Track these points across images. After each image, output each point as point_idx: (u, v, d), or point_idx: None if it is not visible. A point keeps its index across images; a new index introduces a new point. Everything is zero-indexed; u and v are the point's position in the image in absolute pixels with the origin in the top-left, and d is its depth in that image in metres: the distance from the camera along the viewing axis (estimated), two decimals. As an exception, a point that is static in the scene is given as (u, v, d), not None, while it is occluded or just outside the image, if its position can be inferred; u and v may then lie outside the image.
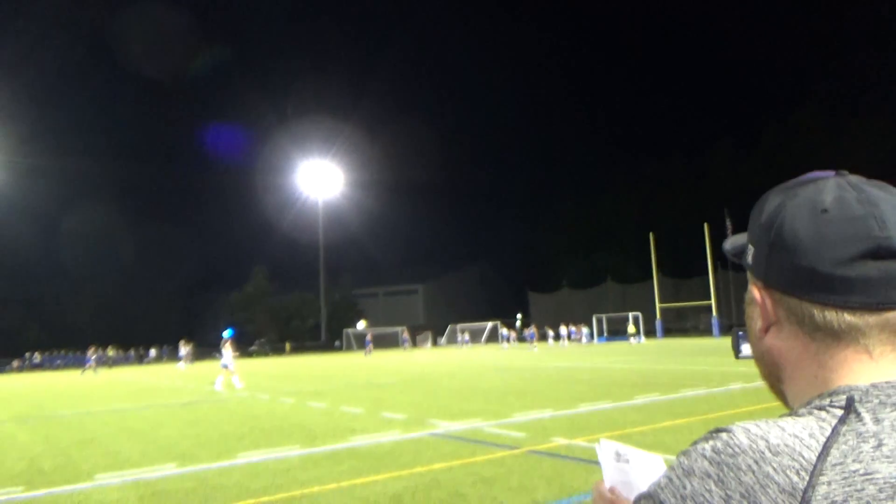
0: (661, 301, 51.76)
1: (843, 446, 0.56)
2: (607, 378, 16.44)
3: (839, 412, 0.59)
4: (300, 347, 65.05)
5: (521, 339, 55.87)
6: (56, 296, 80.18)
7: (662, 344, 40.04)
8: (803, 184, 0.70)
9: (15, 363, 55.18)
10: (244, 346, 65.64)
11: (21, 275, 77.45)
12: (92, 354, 38.33)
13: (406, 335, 54.38)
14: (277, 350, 62.73)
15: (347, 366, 31.33)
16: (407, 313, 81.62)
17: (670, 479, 0.59)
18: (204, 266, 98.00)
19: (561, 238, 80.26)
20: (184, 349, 39.15)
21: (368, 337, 49.88)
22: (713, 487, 0.56)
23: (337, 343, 68.46)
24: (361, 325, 72.65)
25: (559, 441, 7.85)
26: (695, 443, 0.61)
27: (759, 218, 0.72)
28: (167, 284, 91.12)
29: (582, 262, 74.36)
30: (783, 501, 0.53)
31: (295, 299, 73.29)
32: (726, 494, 0.55)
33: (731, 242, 0.81)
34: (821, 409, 0.60)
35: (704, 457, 0.58)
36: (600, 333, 53.67)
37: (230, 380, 19.22)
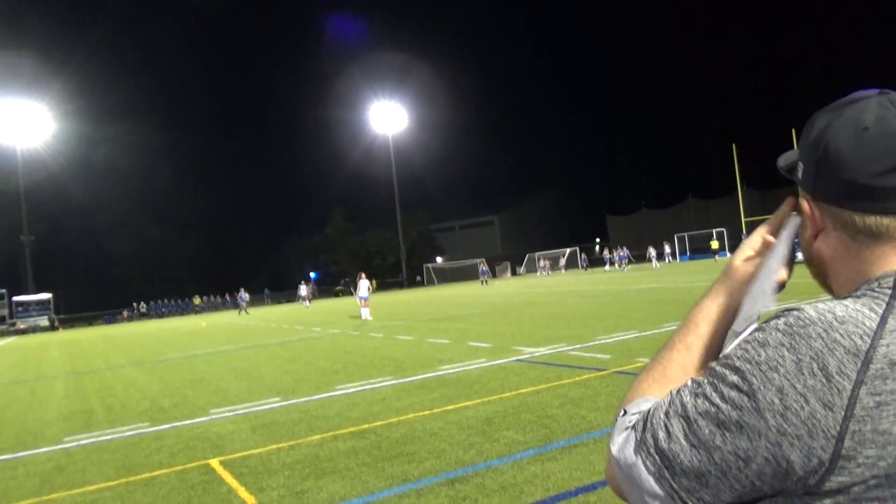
0: (748, 215, 49.70)
1: None
2: (692, 296, 16.10)
3: (888, 291, 0.71)
4: (383, 285, 66.80)
5: (600, 261, 55.22)
6: (156, 250, 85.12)
7: (750, 259, 38.65)
8: (848, 103, 0.78)
9: (125, 313, 59.57)
10: (330, 287, 68.19)
11: (122, 231, 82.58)
12: (244, 294, 41.66)
13: (485, 267, 54.87)
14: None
15: (430, 300, 32.08)
16: (484, 245, 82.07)
17: (745, 350, 0.70)
18: (286, 212, 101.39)
19: (637, 157, 77.86)
20: (304, 290, 42.50)
21: (483, 266, 50.62)
22: (786, 353, 0.67)
23: (418, 278, 69.92)
24: (439, 259, 73.70)
25: (645, 361, 7.87)
26: (767, 320, 0.72)
27: (809, 137, 0.80)
28: (254, 232, 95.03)
29: (660, 180, 72.22)
30: (848, 361, 0.64)
31: (374, 238, 74.98)
32: (797, 358, 0.66)
33: (785, 159, 0.88)
34: (871, 290, 0.72)
35: (778, 329, 0.69)
36: (682, 252, 52.40)
37: (365, 311, 20.96)
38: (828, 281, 0.83)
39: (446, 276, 67.54)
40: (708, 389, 0.70)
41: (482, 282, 48.38)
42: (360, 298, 21.40)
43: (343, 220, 76.09)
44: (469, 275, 63.27)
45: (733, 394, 0.67)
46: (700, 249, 50.72)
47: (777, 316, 0.71)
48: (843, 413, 0.63)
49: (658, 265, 44.93)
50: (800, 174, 0.82)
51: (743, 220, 49.65)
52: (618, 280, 30.73)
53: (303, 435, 6.12)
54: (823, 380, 0.64)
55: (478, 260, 60.34)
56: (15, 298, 53.05)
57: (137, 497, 4.80)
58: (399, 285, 67.00)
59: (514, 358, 9.40)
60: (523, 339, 11.33)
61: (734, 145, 49.23)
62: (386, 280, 69.09)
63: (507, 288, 36.42)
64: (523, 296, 25.84)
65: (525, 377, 7.83)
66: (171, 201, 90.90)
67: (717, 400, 0.68)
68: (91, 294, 72.63)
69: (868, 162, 0.72)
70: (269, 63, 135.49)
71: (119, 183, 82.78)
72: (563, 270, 56.66)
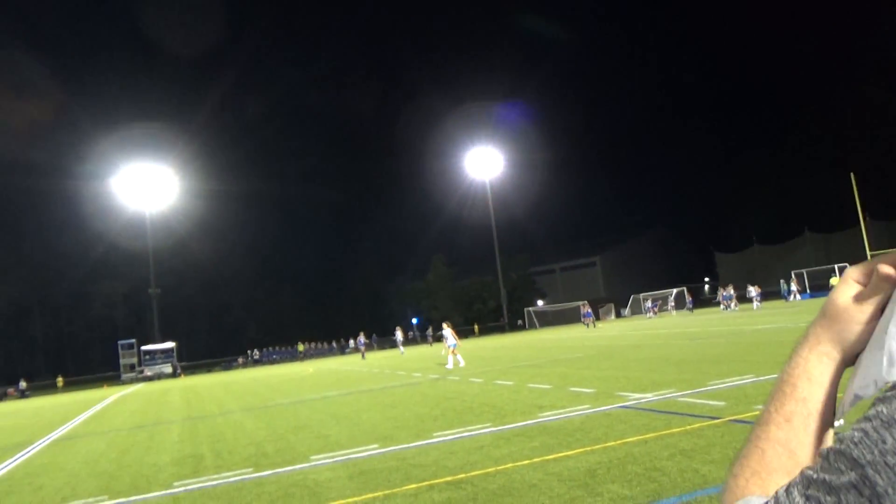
0: (873, 248, 45.89)
1: None
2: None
3: None
4: (484, 329, 66.58)
5: (709, 302, 52.47)
6: (266, 298, 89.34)
7: (881, 296, 35.46)
8: None
9: (240, 360, 62.44)
10: (432, 333, 68.69)
11: (238, 282, 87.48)
12: (362, 339, 43.41)
13: (588, 309, 53.39)
14: (464, 333, 64.71)
15: (531, 344, 31.52)
16: (586, 287, 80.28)
17: (866, 433, 0.47)
18: (388, 258, 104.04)
19: (747, 190, 74.41)
20: (400, 336, 42.74)
21: (587, 309, 49.40)
22: None
23: (519, 322, 69.16)
24: (540, 303, 72.68)
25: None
26: (893, 388, 0.49)
27: None
28: (357, 280, 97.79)
29: (773, 213, 68.45)
30: None
31: (475, 283, 75.14)
32: None
33: None
34: None
35: None
36: (802, 290, 48.96)
37: (456, 357, 20.79)
38: None
39: (548, 320, 66.42)
40: (821, 492, 0.48)
41: (587, 324, 46.94)
42: (450, 346, 21.20)
43: (443, 266, 76.95)
44: (571, 318, 61.88)
45: (852, 498, 0.46)
46: (819, 287, 47.20)
47: None
48: None
49: (759, 305, 41.87)
50: None
51: (868, 254, 45.85)
52: (729, 321, 29.00)
53: (399, 484, 6.00)
54: None
55: (580, 302, 59.03)
56: (143, 347, 56.99)
57: (236, 545, 4.82)
58: (500, 329, 66.50)
59: (619, 405, 8.92)
60: (629, 385, 10.77)
61: (852, 174, 45.99)
62: (487, 325, 68.81)
63: (611, 331, 35.24)
64: (628, 338, 24.85)
65: (631, 425, 7.38)
66: (281, 252, 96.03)
67: None
68: (210, 342, 76.94)
69: None
70: (370, 116, 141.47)
71: (235, 236, 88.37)
72: (673, 311, 54.18)
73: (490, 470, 6.10)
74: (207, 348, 71.05)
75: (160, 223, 66.16)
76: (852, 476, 0.46)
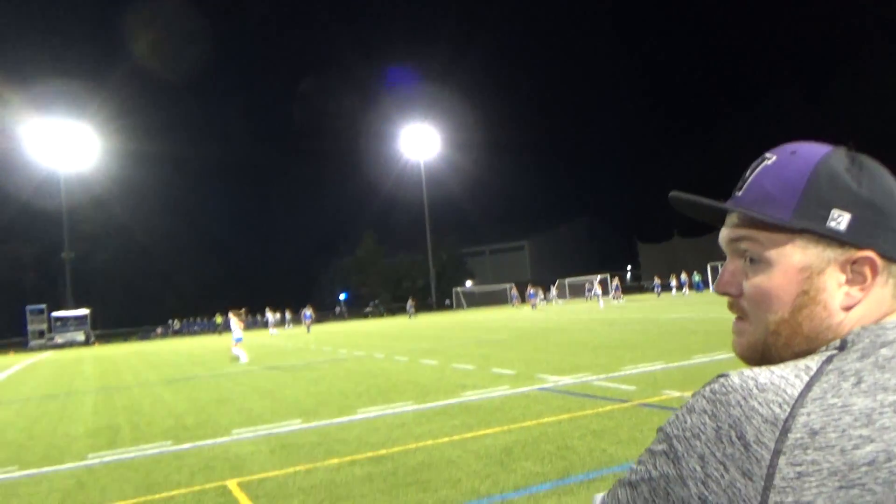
0: (784, 244, 48.53)
1: (825, 384, 0.64)
2: (724, 328, 15.82)
3: (833, 352, 0.67)
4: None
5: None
6: (189, 267, 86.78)
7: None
8: None
9: (158, 330, 60.59)
10: (360, 308, 68.51)
11: (159, 250, 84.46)
12: (308, 312, 41.32)
13: (514, 292, 54.33)
14: (392, 311, 64.74)
15: (457, 324, 31.98)
16: (514, 270, 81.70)
17: (677, 416, 0.69)
18: (319, 234, 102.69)
19: (670, 183, 76.87)
20: (310, 313, 41.74)
21: (531, 290, 49.77)
22: (707, 421, 0.65)
23: (447, 302, 69.83)
24: (469, 283, 73.56)
25: (671, 394, 7.74)
26: (702, 386, 0.70)
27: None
28: (286, 254, 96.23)
29: (694, 207, 71.22)
30: (766, 430, 0.62)
31: (404, 261, 75.23)
32: (717, 426, 0.64)
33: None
34: (817, 353, 0.69)
35: (704, 397, 0.68)
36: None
37: (235, 352, 19.33)
38: None
39: (475, 301, 67.32)
40: (646, 455, 0.70)
41: (532, 305, 46.96)
42: (235, 339, 19.60)
43: (373, 243, 76.63)
44: (499, 299, 62.97)
45: (662, 460, 0.67)
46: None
47: (709, 381, 0.70)
48: (762, 483, 0.60)
49: (619, 300, 43.89)
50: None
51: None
52: (647, 308, 30.29)
53: (321, 458, 6.11)
54: (742, 448, 0.62)
55: (507, 285, 60.07)
56: (54, 314, 54.38)
57: (154, 517, 4.83)
58: (428, 308, 66.95)
59: (538, 386, 9.29)
60: (548, 368, 11.20)
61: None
62: (415, 303, 69.09)
63: (537, 314, 36.16)
64: (552, 322, 25.60)
65: (547, 406, 7.72)
66: (207, 221, 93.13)
67: (650, 466, 0.68)
68: (127, 311, 74.08)
69: None
70: (307, 89, 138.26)
71: (158, 202, 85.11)
72: (594, 298, 55.66)
73: (411, 446, 6.29)
74: (124, 317, 68.42)
75: (76, 184, 62.94)
76: (664, 446, 0.68)
